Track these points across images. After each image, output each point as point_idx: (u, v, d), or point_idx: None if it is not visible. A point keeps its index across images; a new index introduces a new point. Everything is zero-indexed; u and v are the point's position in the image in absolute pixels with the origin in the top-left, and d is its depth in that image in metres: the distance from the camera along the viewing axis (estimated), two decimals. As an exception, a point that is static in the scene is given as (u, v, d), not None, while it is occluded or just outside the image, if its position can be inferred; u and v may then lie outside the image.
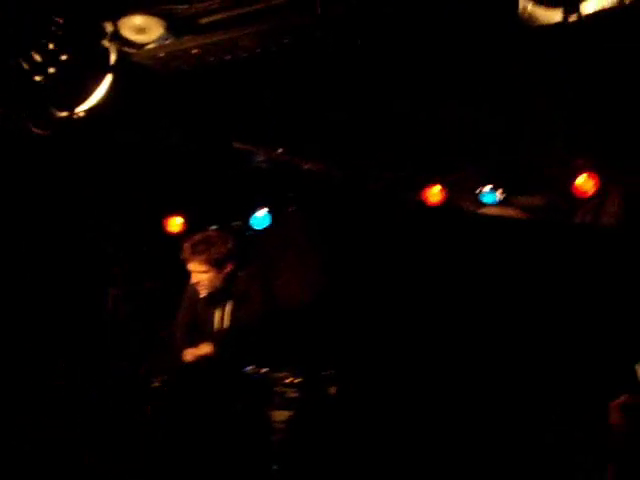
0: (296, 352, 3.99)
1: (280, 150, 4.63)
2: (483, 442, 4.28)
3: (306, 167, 4.82)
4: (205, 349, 4.02)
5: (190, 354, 4.04)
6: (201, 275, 4.04)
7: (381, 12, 2.82)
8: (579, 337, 4.99)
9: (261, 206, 5.88)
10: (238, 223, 5.90)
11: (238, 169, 5.09)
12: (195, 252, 4.02)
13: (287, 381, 3.83)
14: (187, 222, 6.07)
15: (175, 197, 5.82)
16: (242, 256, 4.27)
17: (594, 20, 2.53)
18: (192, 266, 4.05)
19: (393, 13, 2.89)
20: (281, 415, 3.75)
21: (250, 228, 5.90)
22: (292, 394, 3.79)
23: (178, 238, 6.07)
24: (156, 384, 3.98)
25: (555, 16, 2.42)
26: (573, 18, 2.39)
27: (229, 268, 4.08)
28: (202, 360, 4.01)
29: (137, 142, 4.17)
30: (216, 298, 4.13)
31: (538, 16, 2.45)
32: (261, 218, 5.93)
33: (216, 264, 4.02)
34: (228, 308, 4.15)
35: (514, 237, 5.47)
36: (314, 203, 5.48)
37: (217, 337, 4.10)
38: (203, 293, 4.10)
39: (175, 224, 6.10)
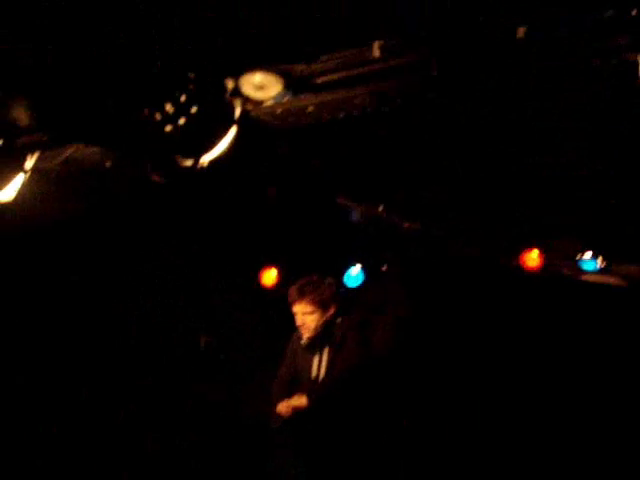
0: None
1: (381, 208, 4.70)
2: None
3: (405, 226, 4.87)
4: (298, 401, 4.06)
5: (283, 406, 4.08)
6: (306, 317, 4.16)
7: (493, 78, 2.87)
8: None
9: (356, 263, 5.95)
10: (332, 280, 5.98)
11: (336, 225, 5.18)
12: (302, 293, 4.17)
13: None
14: (281, 276, 6.19)
15: (271, 250, 5.95)
16: (342, 304, 4.35)
17: None
18: (298, 307, 4.18)
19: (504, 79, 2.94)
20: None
21: (343, 285, 5.96)
22: None
23: (272, 291, 6.21)
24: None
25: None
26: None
27: (332, 311, 4.20)
28: (295, 413, 4.05)
29: (243, 194, 4.31)
30: (316, 344, 4.21)
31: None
32: (355, 276, 5.99)
33: (322, 305, 4.17)
34: (325, 355, 4.21)
35: (615, 305, 5.34)
36: (411, 263, 5.50)
37: (312, 386, 4.15)
38: (306, 336, 4.19)
39: (270, 277, 6.23)
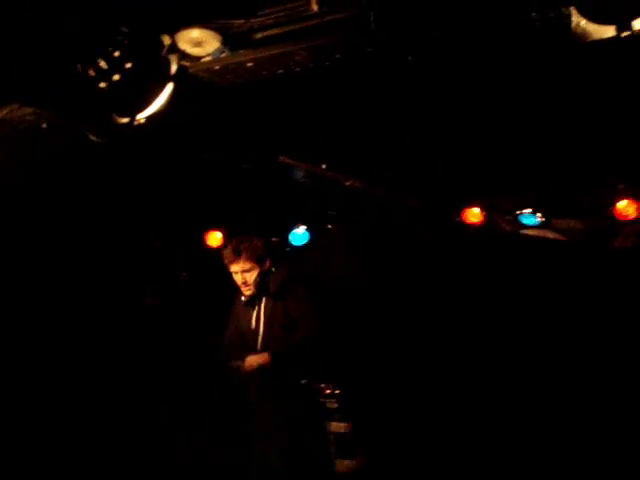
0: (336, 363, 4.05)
1: (323, 166, 4.69)
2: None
3: (347, 184, 4.88)
4: (261, 358, 4.05)
5: (249, 362, 4.08)
6: (246, 274, 4.18)
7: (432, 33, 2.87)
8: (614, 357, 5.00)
9: (300, 223, 5.97)
10: (277, 239, 5.99)
11: (279, 184, 5.16)
12: (239, 252, 4.18)
13: (327, 392, 3.88)
14: (226, 237, 6.17)
15: (215, 211, 5.92)
16: (277, 257, 4.39)
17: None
18: (237, 267, 4.19)
19: (443, 36, 2.95)
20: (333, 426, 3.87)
21: (289, 244, 5.99)
22: (332, 405, 3.85)
23: (217, 252, 6.19)
24: None
25: (608, 32, 2.46)
26: (626, 34, 2.42)
27: (267, 264, 4.24)
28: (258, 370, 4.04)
29: (184, 154, 4.26)
30: (254, 297, 4.24)
31: (590, 32, 2.49)
32: (300, 235, 6.02)
33: (258, 260, 4.20)
34: (263, 305, 4.25)
35: (552, 258, 5.48)
36: (354, 220, 5.53)
37: (253, 337, 4.19)
38: (247, 293, 4.21)
39: (215, 238, 6.21)
